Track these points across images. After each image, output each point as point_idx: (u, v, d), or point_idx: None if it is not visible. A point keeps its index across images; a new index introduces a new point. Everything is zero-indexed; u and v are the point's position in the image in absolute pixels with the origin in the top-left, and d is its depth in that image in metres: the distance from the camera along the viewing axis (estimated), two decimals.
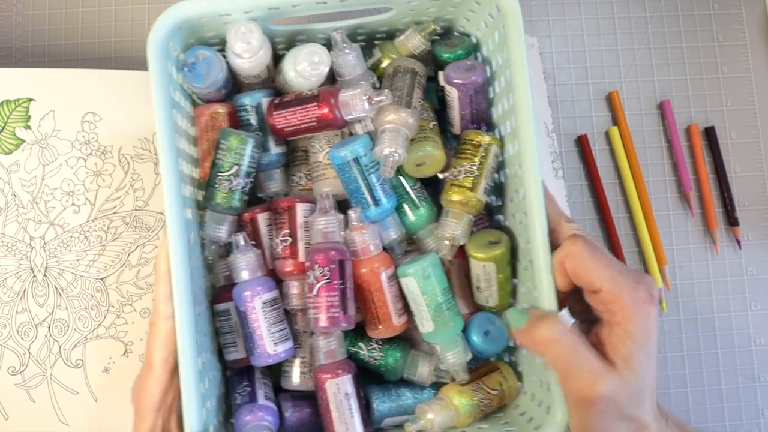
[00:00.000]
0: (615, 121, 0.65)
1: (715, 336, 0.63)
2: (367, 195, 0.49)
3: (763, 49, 0.66)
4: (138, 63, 0.63)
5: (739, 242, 0.64)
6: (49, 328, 0.58)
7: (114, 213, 0.60)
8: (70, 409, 0.57)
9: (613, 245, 0.63)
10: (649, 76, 0.65)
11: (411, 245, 0.54)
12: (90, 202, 0.59)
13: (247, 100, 0.52)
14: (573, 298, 0.45)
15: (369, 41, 0.56)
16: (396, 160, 0.47)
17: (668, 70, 0.65)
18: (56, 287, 0.58)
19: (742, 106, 0.65)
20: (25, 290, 0.58)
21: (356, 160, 0.48)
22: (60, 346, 0.58)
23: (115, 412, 0.57)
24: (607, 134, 0.65)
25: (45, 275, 0.58)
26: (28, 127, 0.59)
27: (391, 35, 0.55)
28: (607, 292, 0.40)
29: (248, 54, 0.49)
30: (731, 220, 0.64)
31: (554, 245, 0.44)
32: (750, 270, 0.64)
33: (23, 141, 0.59)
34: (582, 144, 0.64)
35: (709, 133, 0.65)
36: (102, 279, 0.59)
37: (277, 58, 0.53)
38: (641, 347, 0.39)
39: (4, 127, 0.59)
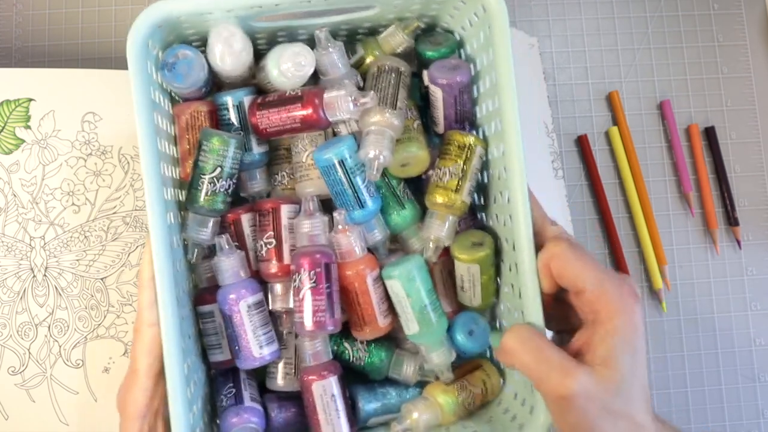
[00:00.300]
0: (615, 121, 0.65)
1: (715, 336, 0.63)
2: (352, 197, 0.48)
3: (763, 49, 0.66)
4: None
5: (739, 242, 0.64)
6: (49, 328, 0.58)
7: (114, 213, 0.60)
8: (70, 409, 0.57)
9: (613, 245, 0.63)
10: (649, 76, 0.65)
11: (395, 244, 0.54)
12: (90, 202, 0.59)
13: (229, 98, 0.51)
14: (554, 305, 0.45)
15: (351, 37, 0.56)
16: (382, 163, 0.47)
17: (668, 70, 0.65)
18: (56, 287, 0.58)
19: (742, 106, 0.65)
20: (25, 290, 0.58)
21: (341, 163, 0.48)
22: (60, 346, 0.58)
23: (115, 412, 0.57)
24: (607, 134, 0.65)
25: (45, 275, 0.58)
26: (28, 127, 0.59)
27: (374, 31, 0.55)
28: (591, 292, 0.40)
29: (230, 57, 0.49)
30: (731, 220, 0.64)
31: (538, 247, 0.44)
32: (750, 270, 0.64)
33: (23, 141, 0.59)
34: (582, 144, 0.64)
35: (709, 133, 0.65)
36: (102, 279, 0.59)
37: (258, 55, 0.52)
38: (626, 343, 0.39)
39: (4, 127, 0.59)
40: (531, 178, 0.62)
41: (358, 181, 0.48)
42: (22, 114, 0.59)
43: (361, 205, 0.49)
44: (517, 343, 0.41)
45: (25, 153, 0.59)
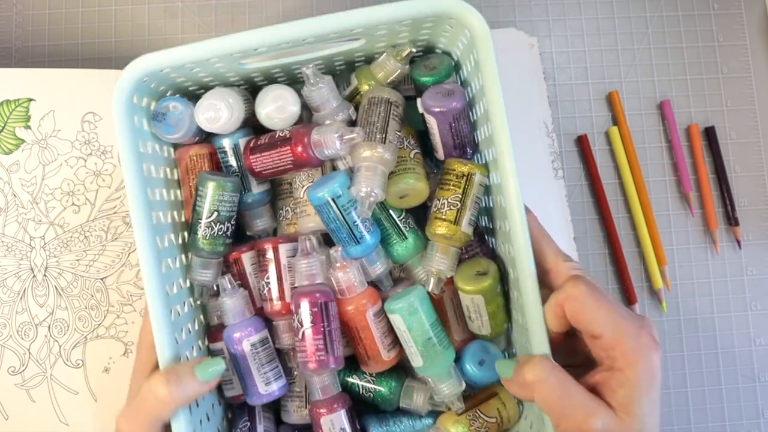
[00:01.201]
0: (615, 121, 0.65)
1: (715, 336, 0.63)
2: (348, 233, 0.48)
3: (763, 49, 0.66)
4: None
5: (739, 242, 0.64)
6: (49, 328, 0.58)
7: (114, 213, 0.60)
8: (70, 409, 0.57)
9: (613, 245, 0.63)
10: (649, 76, 0.65)
11: (402, 271, 0.54)
12: (90, 202, 0.59)
13: (225, 141, 0.51)
14: (563, 339, 0.44)
15: (349, 66, 0.55)
16: (373, 201, 0.47)
17: (668, 70, 0.65)
18: (56, 287, 0.58)
19: (742, 106, 0.65)
20: (25, 290, 0.58)
21: (334, 200, 0.47)
22: (60, 346, 0.58)
23: (115, 412, 0.57)
24: (607, 134, 0.65)
25: (45, 275, 0.58)
26: (28, 127, 0.59)
27: (370, 59, 0.53)
28: (609, 338, 0.39)
29: (218, 125, 0.49)
30: (731, 220, 0.64)
31: (552, 285, 0.43)
32: (750, 270, 0.64)
33: (23, 141, 0.59)
34: (582, 144, 0.64)
35: (709, 133, 0.65)
36: (102, 279, 0.59)
37: (257, 90, 0.52)
38: (644, 393, 0.38)
39: (4, 127, 0.59)
40: (531, 178, 0.62)
41: (353, 216, 0.48)
42: (22, 114, 0.59)
43: (358, 240, 0.48)
44: (538, 377, 0.40)
45: (25, 153, 0.59)
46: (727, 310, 0.63)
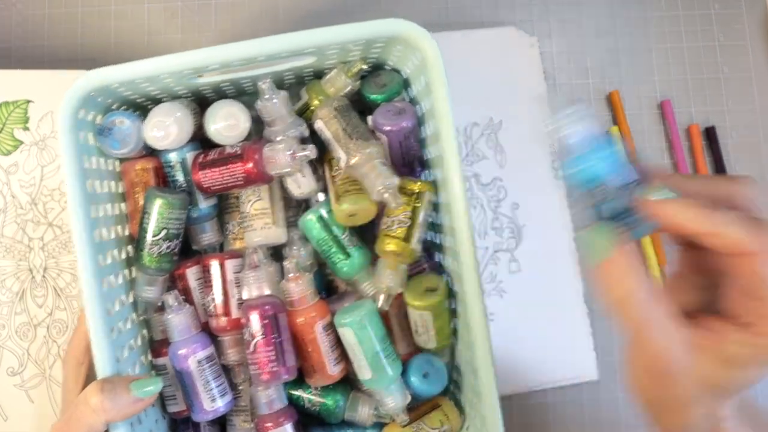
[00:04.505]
0: (615, 121, 0.64)
1: None
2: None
3: (763, 49, 0.66)
4: None
5: None
6: (47, 328, 0.58)
7: None
8: None
9: None
10: (649, 76, 0.65)
11: (349, 285, 0.54)
12: None
13: (173, 156, 0.51)
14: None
15: (299, 80, 0.55)
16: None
17: (668, 70, 0.65)
18: (55, 288, 0.58)
19: (743, 106, 0.65)
20: (23, 291, 0.58)
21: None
22: (59, 347, 0.58)
23: None
24: (607, 134, 0.64)
25: (44, 276, 0.58)
26: (27, 128, 0.59)
27: (319, 74, 0.53)
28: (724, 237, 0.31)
29: (166, 142, 0.49)
30: None
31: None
32: None
33: (22, 142, 0.59)
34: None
35: (710, 133, 0.64)
36: None
37: (206, 104, 0.52)
38: None
39: (2, 129, 0.59)
40: (531, 179, 0.62)
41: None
42: (21, 115, 0.59)
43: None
44: (672, 201, 0.32)
45: (24, 154, 0.59)
46: None
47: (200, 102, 0.52)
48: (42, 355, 0.58)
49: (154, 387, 0.44)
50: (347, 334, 0.48)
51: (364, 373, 0.48)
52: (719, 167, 0.64)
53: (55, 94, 0.60)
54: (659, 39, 0.66)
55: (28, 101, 0.59)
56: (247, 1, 0.65)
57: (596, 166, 0.34)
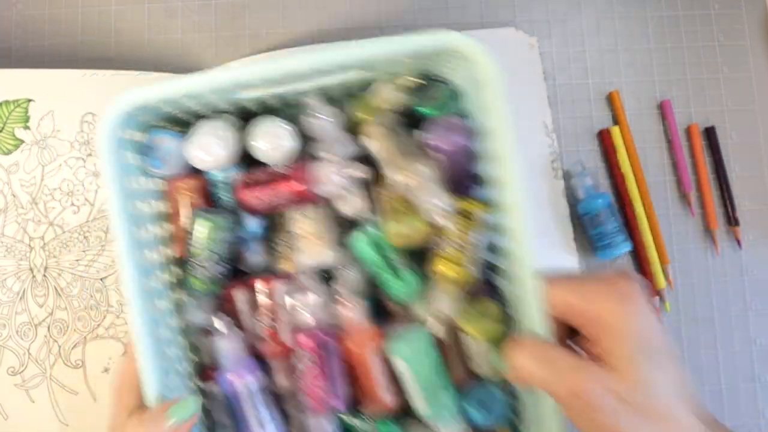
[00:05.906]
0: (615, 121, 0.64)
1: (715, 336, 0.63)
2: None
3: (763, 49, 0.66)
4: (138, 63, 0.63)
5: (739, 242, 0.64)
6: (48, 328, 0.58)
7: None
8: (69, 409, 0.57)
9: None
10: (649, 76, 0.65)
11: (402, 309, 0.52)
12: (89, 202, 0.59)
13: (219, 176, 0.50)
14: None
15: (345, 92, 0.53)
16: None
17: (668, 70, 0.65)
18: (56, 287, 0.58)
19: (742, 106, 0.65)
20: (24, 291, 0.58)
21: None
22: (59, 347, 0.58)
23: None
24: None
25: (44, 275, 0.58)
26: (28, 127, 0.59)
27: (365, 86, 0.51)
28: (581, 308, 0.38)
29: (209, 163, 0.48)
30: (731, 220, 0.64)
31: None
32: (750, 270, 0.64)
33: (22, 141, 0.59)
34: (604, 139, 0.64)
35: (710, 133, 0.65)
36: (101, 279, 0.59)
37: (248, 116, 0.51)
38: (634, 346, 0.36)
39: (3, 128, 0.59)
40: (531, 178, 0.62)
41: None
42: (21, 114, 0.59)
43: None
44: (529, 360, 0.38)
45: (25, 153, 0.59)
46: (727, 310, 0.63)
47: (242, 114, 0.51)
48: (42, 354, 0.58)
49: (190, 408, 0.43)
50: (399, 364, 0.46)
51: (418, 402, 0.46)
52: (719, 167, 0.64)
53: (55, 94, 0.60)
54: (659, 39, 0.66)
55: (29, 100, 0.59)
56: (247, 1, 0.65)
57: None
